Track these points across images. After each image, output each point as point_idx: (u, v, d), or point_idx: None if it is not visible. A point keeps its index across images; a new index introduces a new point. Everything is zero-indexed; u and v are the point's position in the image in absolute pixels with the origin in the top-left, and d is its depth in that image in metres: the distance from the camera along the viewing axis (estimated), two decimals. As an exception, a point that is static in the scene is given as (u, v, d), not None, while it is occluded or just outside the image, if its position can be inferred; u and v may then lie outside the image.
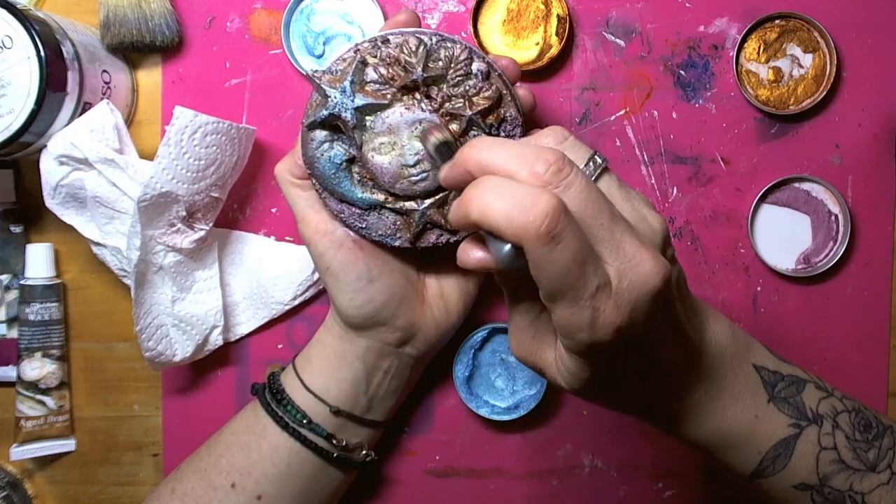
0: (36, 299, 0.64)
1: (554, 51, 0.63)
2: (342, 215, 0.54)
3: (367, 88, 0.50)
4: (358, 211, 0.53)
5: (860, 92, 0.65)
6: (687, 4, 0.65)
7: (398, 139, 0.50)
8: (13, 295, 0.66)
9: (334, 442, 0.57)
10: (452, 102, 0.50)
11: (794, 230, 0.65)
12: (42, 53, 0.54)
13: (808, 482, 0.49)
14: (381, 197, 0.52)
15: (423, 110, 0.50)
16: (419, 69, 0.50)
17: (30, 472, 0.68)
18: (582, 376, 0.42)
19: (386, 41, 0.50)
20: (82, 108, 0.58)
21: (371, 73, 0.50)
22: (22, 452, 0.64)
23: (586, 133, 0.65)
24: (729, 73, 0.65)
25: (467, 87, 0.50)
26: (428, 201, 0.52)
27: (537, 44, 0.64)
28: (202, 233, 0.61)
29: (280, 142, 0.66)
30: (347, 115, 0.50)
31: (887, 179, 0.65)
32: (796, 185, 0.64)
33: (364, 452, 0.59)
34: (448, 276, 0.59)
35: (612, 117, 0.65)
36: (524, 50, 0.64)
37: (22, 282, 0.65)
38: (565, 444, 0.67)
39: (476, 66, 0.50)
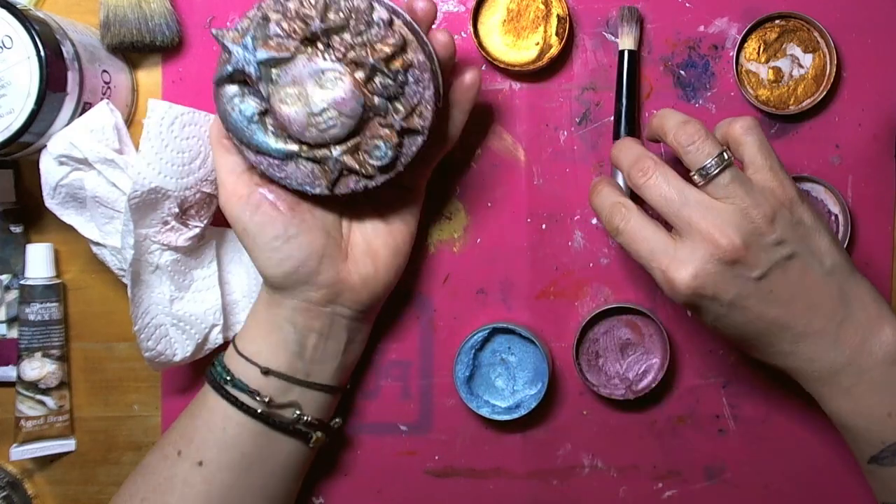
0: (36, 299, 0.64)
1: (554, 51, 0.63)
2: (261, 166, 0.55)
3: (270, 43, 0.51)
4: (276, 161, 0.54)
5: (860, 92, 0.65)
6: (687, 4, 0.65)
7: (304, 89, 0.52)
8: (13, 295, 0.66)
9: (258, 398, 0.57)
10: (356, 51, 0.52)
11: (794, 230, 0.65)
12: (42, 53, 0.54)
13: None
14: (294, 147, 0.54)
15: (325, 60, 0.52)
16: (317, 21, 0.51)
17: (30, 472, 0.68)
18: (704, 326, 0.55)
19: None
20: (82, 108, 0.58)
21: (273, 28, 0.51)
22: (22, 452, 0.64)
23: (586, 133, 0.65)
24: (729, 73, 0.65)
25: (370, 36, 0.51)
26: (340, 147, 0.53)
27: (537, 44, 0.64)
28: (197, 230, 0.61)
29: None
30: (251, 69, 0.52)
31: (887, 179, 0.65)
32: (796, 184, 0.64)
33: (297, 413, 0.58)
34: (375, 233, 0.60)
35: (613, 117, 0.65)
36: (524, 50, 0.64)
37: (22, 282, 0.65)
38: (565, 444, 0.67)
39: (377, 14, 0.51)
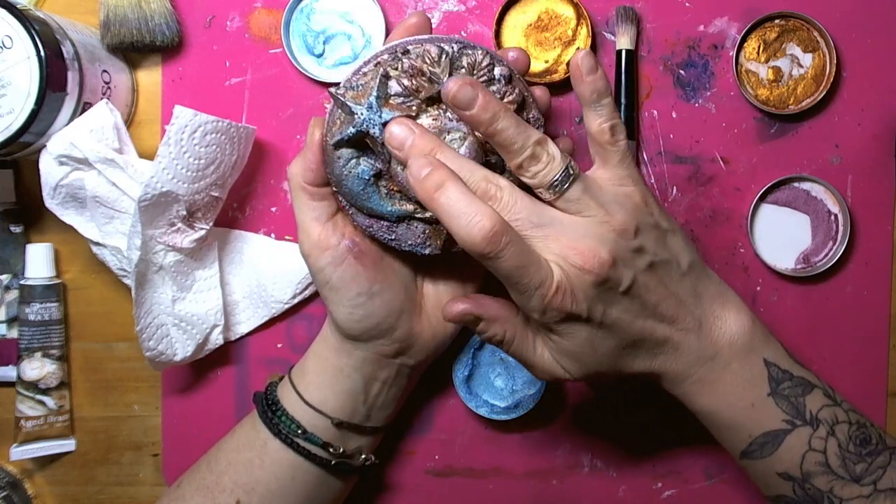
0: (36, 299, 0.64)
1: (557, 77, 0.63)
2: (370, 229, 0.53)
3: (391, 102, 0.49)
4: (387, 224, 0.53)
5: (860, 92, 0.65)
6: (687, 4, 0.65)
7: None
8: (13, 295, 0.66)
9: (331, 450, 0.57)
10: None
11: (794, 230, 0.65)
12: (42, 53, 0.54)
13: (791, 474, 0.52)
14: (410, 208, 0.52)
15: (450, 120, 0.50)
16: (445, 78, 0.49)
17: (30, 472, 0.68)
18: (572, 351, 0.50)
19: (406, 52, 0.50)
20: (82, 108, 0.58)
21: (395, 86, 0.49)
22: (22, 452, 0.64)
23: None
24: (728, 73, 0.65)
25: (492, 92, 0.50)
26: None
27: (546, 62, 0.64)
28: (202, 232, 0.61)
29: (280, 141, 0.66)
30: (376, 131, 0.49)
31: (887, 179, 0.65)
32: (796, 184, 0.64)
33: (363, 457, 0.59)
34: (446, 286, 0.59)
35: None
36: (534, 59, 0.63)
37: (22, 282, 0.65)
38: (565, 444, 0.67)
39: (498, 70, 0.50)
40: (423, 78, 0.49)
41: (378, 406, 0.59)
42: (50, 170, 0.58)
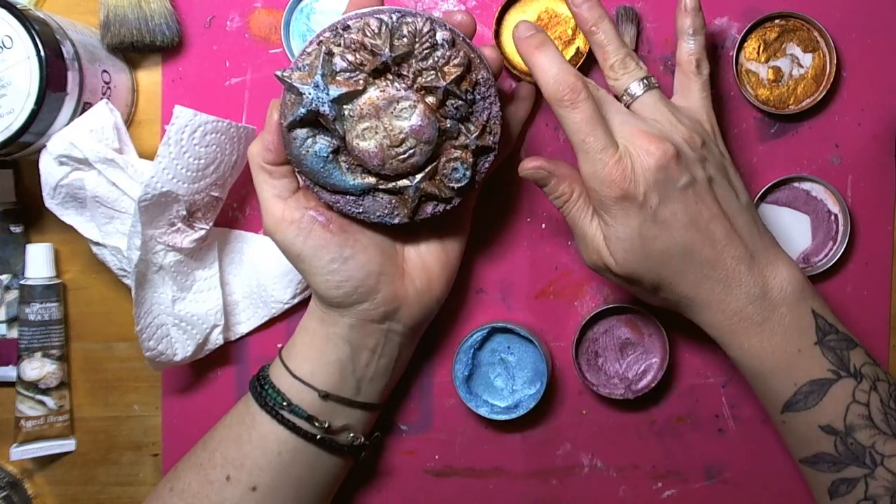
0: (36, 299, 0.64)
1: None
2: (337, 205, 0.54)
3: (338, 78, 0.50)
4: (352, 198, 0.53)
5: (860, 92, 0.65)
6: (687, 4, 0.65)
7: (380, 122, 0.51)
8: (13, 295, 0.66)
9: (316, 424, 0.57)
10: (424, 76, 0.51)
11: (794, 230, 0.65)
12: (42, 53, 0.54)
13: (835, 427, 0.52)
14: (372, 180, 0.53)
15: (397, 89, 0.50)
16: (386, 50, 0.50)
17: (30, 472, 0.68)
18: (621, 238, 0.52)
19: (346, 27, 0.50)
20: (82, 108, 0.58)
21: (339, 62, 0.50)
22: (22, 452, 0.64)
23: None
24: (729, 73, 0.64)
25: (436, 59, 0.51)
26: (419, 175, 0.53)
27: None
28: (202, 232, 0.61)
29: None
30: (326, 109, 0.50)
31: (887, 179, 0.65)
32: (796, 184, 0.64)
33: (352, 436, 0.59)
34: (428, 247, 0.59)
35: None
36: None
37: (22, 282, 0.65)
38: (565, 444, 0.67)
39: (440, 35, 0.51)
40: (366, 51, 0.50)
41: (368, 377, 0.59)
42: (50, 170, 0.58)
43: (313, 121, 0.51)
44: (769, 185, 0.64)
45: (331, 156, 0.52)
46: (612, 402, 0.66)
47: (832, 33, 0.63)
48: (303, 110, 0.50)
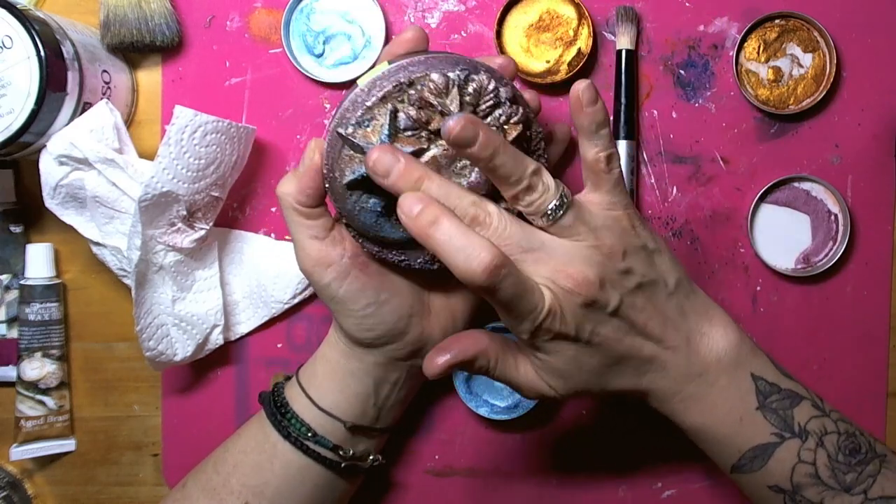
0: (36, 299, 0.64)
1: (559, 77, 0.63)
2: (380, 254, 0.53)
3: (401, 136, 0.49)
4: (397, 248, 0.53)
5: (860, 92, 0.65)
6: (687, 4, 0.65)
7: None
8: (13, 295, 0.66)
9: (341, 453, 0.57)
10: None
11: (794, 230, 0.65)
12: (42, 53, 0.54)
13: (782, 486, 0.52)
14: None
15: None
16: (455, 109, 0.48)
17: (30, 472, 0.68)
18: (558, 368, 0.50)
19: (411, 83, 0.49)
20: (82, 108, 0.58)
21: (404, 120, 0.48)
22: (22, 452, 0.64)
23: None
24: (729, 73, 0.64)
25: (497, 116, 0.49)
26: None
27: (548, 62, 0.64)
28: (202, 232, 0.61)
29: (280, 141, 0.66)
30: None
31: (887, 179, 0.65)
32: (796, 184, 0.64)
33: (371, 458, 0.59)
34: (454, 286, 0.58)
35: (611, 116, 0.65)
36: (535, 59, 0.63)
37: (22, 282, 0.65)
38: (565, 444, 0.67)
39: (504, 92, 0.49)
40: (432, 109, 0.49)
41: (388, 407, 0.59)
42: (50, 170, 0.58)
43: (370, 178, 0.49)
44: (769, 185, 0.64)
45: (383, 211, 0.51)
46: (612, 402, 0.66)
47: (832, 33, 0.63)
48: (365, 170, 0.48)
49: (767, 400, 0.52)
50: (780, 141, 0.65)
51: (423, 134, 0.49)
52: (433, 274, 0.55)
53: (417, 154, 0.49)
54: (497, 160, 0.46)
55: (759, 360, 0.53)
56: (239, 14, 0.65)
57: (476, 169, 0.50)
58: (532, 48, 0.63)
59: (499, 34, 0.63)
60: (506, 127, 0.49)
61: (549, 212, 0.48)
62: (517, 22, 0.63)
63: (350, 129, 0.49)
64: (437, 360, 0.50)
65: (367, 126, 0.49)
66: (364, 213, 0.51)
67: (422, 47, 0.52)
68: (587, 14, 0.63)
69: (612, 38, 0.65)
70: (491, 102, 0.49)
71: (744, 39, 0.63)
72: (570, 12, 0.63)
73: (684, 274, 0.53)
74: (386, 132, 0.48)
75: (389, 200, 0.50)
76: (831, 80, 0.63)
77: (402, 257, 0.53)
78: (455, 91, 0.49)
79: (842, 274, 0.65)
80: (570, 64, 0.63)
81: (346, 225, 0.53)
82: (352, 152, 0.49)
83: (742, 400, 0.52)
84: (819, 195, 0.64)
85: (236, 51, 0.65)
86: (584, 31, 0.63)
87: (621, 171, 0.51)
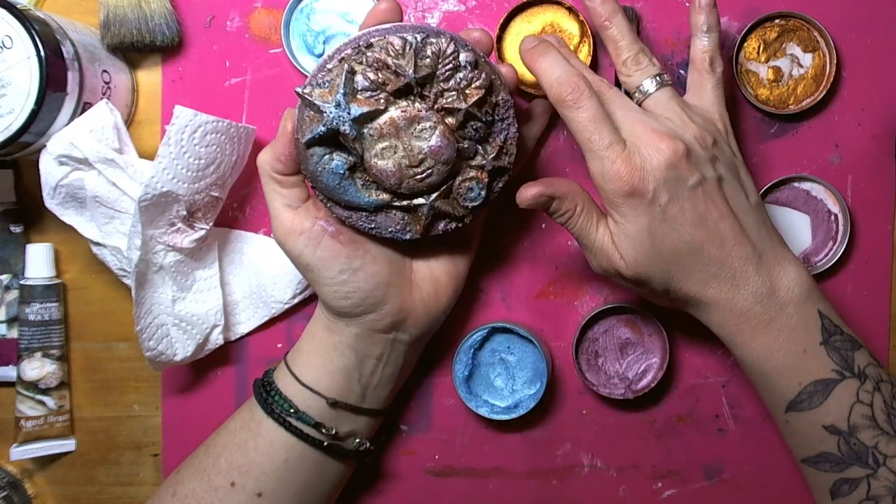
0: (36, 299, 0.64)
1: None
2: (349, 220, 0.54)
3: (359, 97, 0.50)
4: (365, 213, 0.53)
5: (860, 92, 0.65)
6: (687, 4, 0.65)
7: (399, 142, 0.50)
8: (13, 295, 0.66)
9: (323, 430, 0.57)
10: (445, 97, 0.50)
11: (794, 229, 0.65)
12: (42, 53, 0.54)
13: (838, 426, 0.53)
14: (387, 197, 0.52)
15: (418, 110, 0.50)
16: (410, 71, 0.49)
17: (30, 472, 0.68)
18: (630, 236, 0.52)
19: (369, 45, 0.50)
20: (82, 108, 0.58)
21: (361, 81, 0.50)
22: (22, 452, 0.64)
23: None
24: (729, 73, 0.64)
25: (458, 80, 0.50)
26: (434, 194, 0.52)
27: None
28: (202, 232, 0.61)
29: (280, 141, 0.66)
30: (346, 128, 0.50)
31: (887, 179, 0.65)
32: (796, 184, 0.64)
33: (357, 441, 0.59)
34: (437, 259, 0.59)
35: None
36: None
37: (22, 282, 0.65)
38: (565, 444, 0.67)
39: (464, 56, 0.50)
40: (389, 71, 0.50)
41: (374, 385, 0.59)
42: (50, 170, 0.58)
43: (331, 138, 0.51)
44: (769, 185, 0.64)
45: (347, 173, 0.52)
46: (612, 402, 0.66)
47: (832, 33, 0.63)
48: (323, 128, 0.50)
49: (832, 338, 0.53)
50: (779, 141, 0.65)
51: (381, 96, 0.50)
52: (407, 245, 0.56)
53: (374, 115, 0.50)
54: (615, 20, 0.55)
55: (826, 303, 0.54)
56: (239, 14, 0.65)
57: (437, 132, 0.50)
58: None
59: (500, 39, 0.63)
60: (466, 91, 0.50)
61: (647, 84, 0.54)
62: (519, 30, 0.63)
63: (308, 90, 0.50)
64: (529, 190, 0.53)
65: (325, 86, 0.50)
66: (327, 174, 0.52)
67: (396, 19, 0.53)
68: (590, 33, 0.62)
69: (612, 38, 0.65)
70: (450, 66, 0.50)
71: (744, 39, 0.63)
72: (573, 28, 0.63)
73: (763, 203, 0.55)
74: (341, 91, 0.49)
75: (353, 162, 0.51)
76: (831, 80, 0.63)
77: (373, 224, 0.54)
78: (411, 52, 0.49)
79: (842, 274, 0.65)
80: None
81: (314, 189, 0.54)
82: (311, 112, 0.51)
83: (807, 333, 0.53)
84: (819, 195, 0.64)
85: (236, 51, 0.65)
86: (585, 49, 0.63)
87: (723, 78, 0.56)
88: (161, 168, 0.56)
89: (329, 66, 0.50)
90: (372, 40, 0.50)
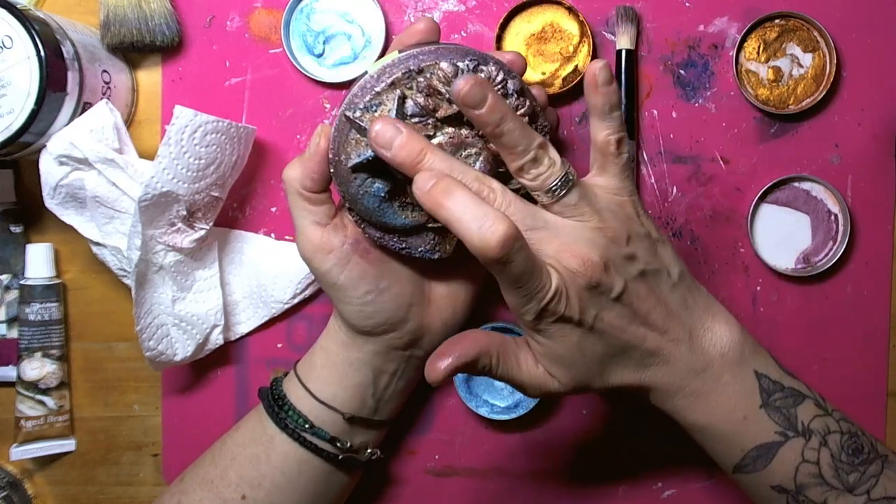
0: (36, 299, 0.64)
1: (552, 90, 0.63)
2: (381, 241, 0.53)
3: (407, 122, 0.49)
4: (398, 235, 0.53)
5: (860, 92, 0.65)
6: (687, 4, 0.65)
7: None
8: (13, 295, 0.66)
9: (338, 445, 0.57)
10: None
11: (794, 230, 0.65)
12: (42, 53, 0.54)
13: (785, 486, 0.52)
14: (423, 219, 0.52)
15: (464, 137, 0.50)
16: None
17: (30, 472, 0.68)
18: (560, 355, 0.49)
19: (420, 70, 0.49)
20: (82, 108, 0.58)
21: (411, 106, 0.49)
22: (22, 452, 0.64)
23: (586, 132, 0.65)
24: (729, 73, 0.64)
25: None
26: None
27: (543, 73, 0.63)
28: (202, 232, 0.61)
29: (280, 141, 0.66)
30: None
31: (887, 179, 0.65)
32: (796, 184, 0.64)
33: (369, 451, 0.59)
34: (455, 275, 0.59)
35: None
36: (531, 69, 0.63)
37: (22, 282, 0.65)
38: (565, 444, 0.67)
39: (511, 84, 0.50)
40: (440, 97, 0.49)
41: (386, 399, 0.59)
42: (50, 170, 0.58)
43: (376, 162, 0.50)
44: (769, 185, 0.64)
45: (387, 196, 0.51)
46: (613, 401, 0.66)
47: (832, 33, 0.63)
48: (372, 154, 0.49)
49: (771, 398, 0.52)
50: (780, 141, 0.65)
51: (430, 121, 0.49)
52: (433, 263, 0.55)
53: None
54: (505, 126, 0.47)
55: (762, 358, 0.53)
56: (239, 14, 0.65)
57: (481, 158, 0.50)
58: (530, 58, 0.63)
59: (500, 38, 0.63)
60: None
61: (554, 187, 0.48)
62: (519, 29, 0.63)
63: (358, 113, 0.49)
64: (440, 366, 0.49)
65: (375, 111, 0.49)
66: (367, 197, 0.51)
67: (433, 39, 0.53)
68: (590, 34, 0.62)
69: (612, 38, 0.65)
70: (500, 93, 0.50)
71: (744, 39, 0.63)
72: (573, 28, 0.63)
73: (686, 268, 0.53)
74: (393, 117, 0.49)
75: (394, 185, 0.51)
76: (831, 80, 0.63)
77: (403, 245, 0.53)
78: None
79: (842, 274, 0.65)
80: (565, 79, 0.63)
81: (349, 209, 0.53)
82: (358, 136, 0.50)
83: (746, 397, 0.52)
84: (819, 195, 0.64)
85: (236, 51, 0.65)
86: (584, 49, 0.63)
87: (630, 156, 0.51)
88: (161, 168, 0.56)
89: (377, 88, 0.49)
90: (423, 65, 0.49)
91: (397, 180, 0.51)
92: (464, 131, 0.50)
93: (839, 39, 0.64)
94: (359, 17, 0.64)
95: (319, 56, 0.64)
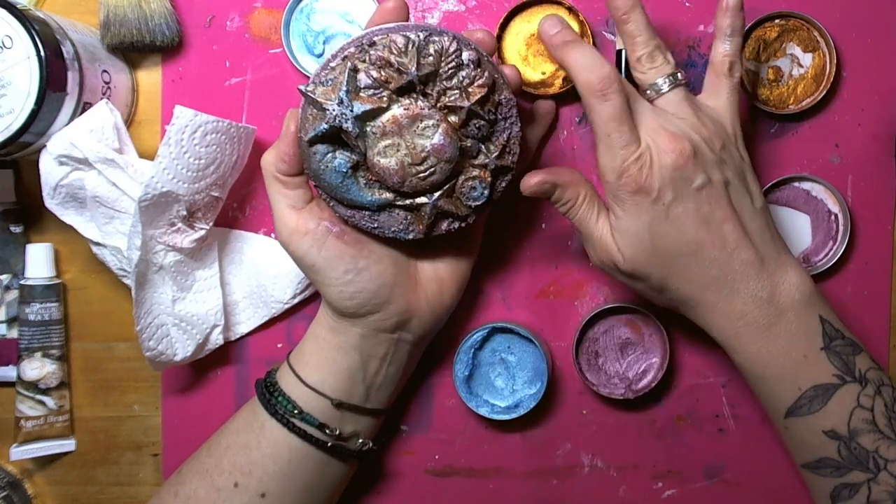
0: (36, 299, 0.64)
1: (552, 90, 0.63)
2: (352, 219, 0.54)
3: (362, 95, 0.50)
4: (368, 213, 0.53)
5: (860, 92, 0.65)
6: (687, 4, 0.65)
7: (402, 140, 0.50)
8: (13, 295, 0.66)
9: (327, 431, 0.57)
10: (448, 95, 0.50)
11: (794, 229, 0.65)
12: (42, 53, 0.54)
13: (838, 431, 0.52)
14: (389, 196, 0.52)
15: (421, 108, 0.50)
16: (413, 69, 0.49)
17: (30, 472, 0.68)
18: (631, 232, 0.52)
19: (372, 43, 0.50)
20: (82, 108, 0.58)
21: (364, 79, 0.50)
22: (22, 452, 0.64)
23: (586, 133, 0.65)
24: (729, 73, 0.64)
25: (461, 78, 0.50)
26: (437, 193, 0.52)
27: (543, 73, 0.63)
28: (202, 232, 0.61)
29: (280, 141, 0.66)
30: (349, 125, 0.50)
31: (887, 179, 0.65)
32: (796, 184, 0.64)
33: (360, 441, 0.59)
34: (441, 258, 0.59)
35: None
36: (531, 68, 0.63)
37: (22, 282, 0.65)
38: (565, 444, 0.67)
39: (466, 55, 0.50)
40: (392, 69, 0.50)
41: (377, 385, 0.59)
42: (50, 170, 0.58)
43: (334, 136, 0.51)
44: (769, 184, 0.64)
45: (350, 171, 0.52)
46: (613, 402, 0.66)
47: (832, 33, 0.63)
48: (325, 126, 0.50)
49: (832, 343, 0.53)
50: (780, 141, 0.65)
51: (384, 93, 0.50)
52: (410, 244, 0.56)
53: (377, 113, 0.50)
54: (632, 15, 0.54)
55: (827, 307, 0.54)
56: (239, 14, 0.65)
57: (439, 130, 0.50)
58: (530, 57, 0.63)
59: (500, 39, 0.63)
60: (469, 89, 0.50)
61: (661, 82, 0.54)
62: (519, 29, 0.63)
63: (311, 87, 0.50)
64: (533, 178, 0.53)
65: (328, 84, 0.50)
66: (329, 173, 0.52)
67: (403, 18, 0.53)
68: (589, 33, 0.62)
69: (612, 37, 0.65)
70: (453, 64, 0.50)
71: (744, 39, 0.63)
72: (573, 27, 0.63)
73: (768, 208, 0.55)
74: (344, 89, 0.49)
75: (355, 160, 0.51)
76: (831, 80, 0.63)
77: (375, 224, 0.54)
78: (413, 50, 0.49)
79: (842, 274, 0.65)
80: (565, 79, 0.63)
81: (317, 188, 0.54)
82: (314, 110, 0.51)
83: (808, 338, 0.52)
84: (819, 195, 0.64)
85: (236, 51, 0.65)
86: None
87: (740, 83, 0.56)
88: (161, 168, 0.56)
89: (332, 64, 0.50)
90: (375, 38, 0.50)
91: (357, 154, 0.51)
92: (420, 103, 0.50)
93: (839, 39, 0.64)
94: (359, 17, 0.64)
95: (319, 56, 0.64)
